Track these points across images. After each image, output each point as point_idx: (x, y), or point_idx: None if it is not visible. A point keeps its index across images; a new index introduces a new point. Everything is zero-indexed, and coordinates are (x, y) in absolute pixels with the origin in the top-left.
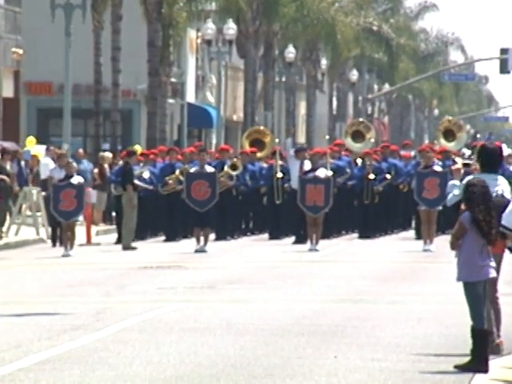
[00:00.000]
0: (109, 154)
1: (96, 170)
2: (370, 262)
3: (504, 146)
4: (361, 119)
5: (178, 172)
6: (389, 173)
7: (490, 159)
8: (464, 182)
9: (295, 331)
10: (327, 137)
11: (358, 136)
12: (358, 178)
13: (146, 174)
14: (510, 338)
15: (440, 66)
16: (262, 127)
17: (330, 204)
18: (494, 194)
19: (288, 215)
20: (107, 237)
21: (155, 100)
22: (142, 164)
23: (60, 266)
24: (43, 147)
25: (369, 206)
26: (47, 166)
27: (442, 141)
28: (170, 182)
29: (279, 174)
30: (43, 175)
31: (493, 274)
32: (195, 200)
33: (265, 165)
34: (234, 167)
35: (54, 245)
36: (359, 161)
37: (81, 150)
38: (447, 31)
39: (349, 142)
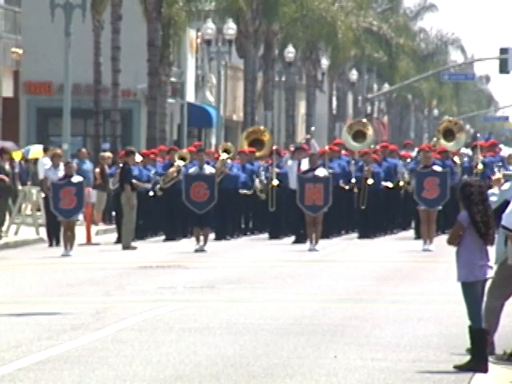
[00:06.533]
0: (109, 154)
1: (97, 170)
2: (369, 261)
3: (503, 146)
4: (364, 120)
5: (175, 165)
6: (389, 173)
7: None
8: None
9: (295, 331)
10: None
11: (358, 135)
12: (357, 178)
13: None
14: (510, 338)
15: (440, 66)
16: (261, 127)
17: (329, 203)
18: None
19: (288, 215)
20: (107, 236)
21: (155, 100)
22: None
23: (60, 265)
24: (41, 147)
25: (368, 205)
26: (45, 166)
27: (442, 141)
28: (171, 170)
29: (275, 182)
30: (41, 175)
31: (490, 273)
32: (194, 202)
33: (263, 163)
34: (227, 152)
35: (50, 244)
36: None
37: (84, 150)
38: (447, 31)
39: (349, 141)
